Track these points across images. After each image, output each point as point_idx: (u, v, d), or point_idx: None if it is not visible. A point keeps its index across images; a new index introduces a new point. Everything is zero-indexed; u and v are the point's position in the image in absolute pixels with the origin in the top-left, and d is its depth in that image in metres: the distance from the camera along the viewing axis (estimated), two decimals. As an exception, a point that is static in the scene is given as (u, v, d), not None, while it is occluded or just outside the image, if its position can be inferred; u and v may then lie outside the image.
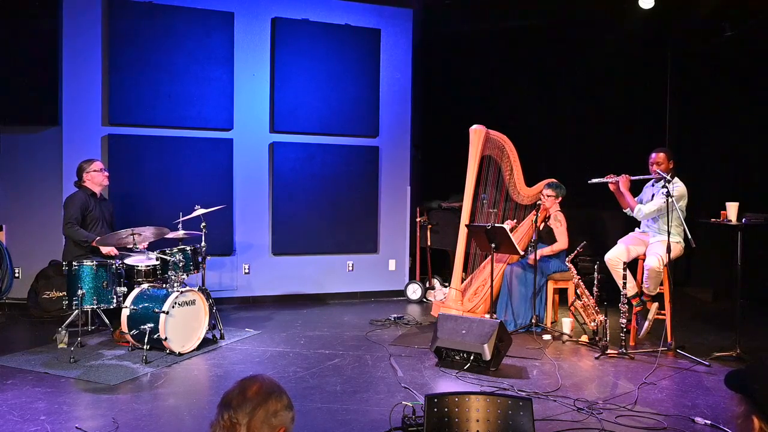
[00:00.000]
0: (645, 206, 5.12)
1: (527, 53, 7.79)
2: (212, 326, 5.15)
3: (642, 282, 5.10)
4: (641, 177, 5.24)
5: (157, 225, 5.06)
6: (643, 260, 5.16)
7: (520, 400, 2.97)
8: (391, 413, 3.41)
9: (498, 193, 6.21)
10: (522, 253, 5.61)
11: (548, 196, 5.76)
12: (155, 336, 4.60)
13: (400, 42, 7.33)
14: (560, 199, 5.81)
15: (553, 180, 5.91)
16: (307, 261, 7.03)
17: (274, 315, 6.30)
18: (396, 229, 7.38)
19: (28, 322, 5.83)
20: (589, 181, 5.38)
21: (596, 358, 4.74)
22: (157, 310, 4.60)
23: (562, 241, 5.67)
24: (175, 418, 3.58)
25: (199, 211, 5.27)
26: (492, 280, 5.53)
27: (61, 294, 5.69)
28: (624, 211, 5.44)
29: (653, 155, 5.13)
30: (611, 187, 5.31)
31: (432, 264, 7.28)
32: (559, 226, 5.70)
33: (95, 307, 4.76)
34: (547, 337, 5.37)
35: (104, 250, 5.00)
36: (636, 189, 5.36)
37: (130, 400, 3.81)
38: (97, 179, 5.23)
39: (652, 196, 5.21)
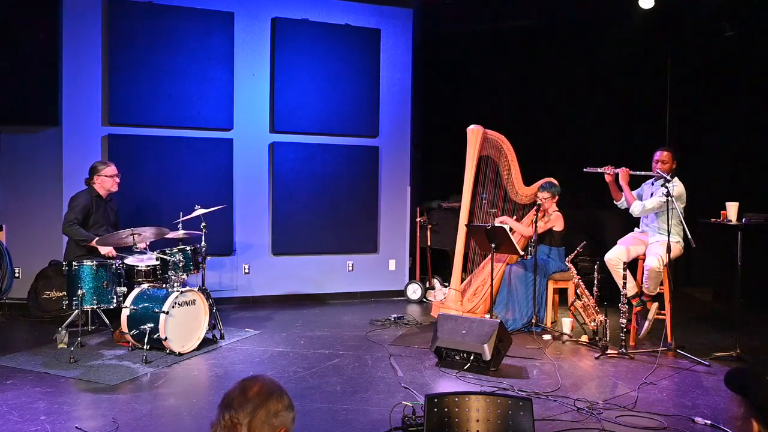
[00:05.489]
0: (647, 202, 5.12)
1: (527, 53, 7.80)
2: (212, 326, 5.15)
3: (642, 282, 5.10)
4: (641, 173, 5.24)
5: (157, 225, 5.06)
6: (643, 260, 5.16)
7: (520, 400, 2.96)
8: (391, 413, 3.41)
9: (497, 193, 6.21)
10: (522, 253, 5.60)
11: (544, 198, 5.75)
12: (155, 336, 4.60)
13: (399, 42, 7.32)
14: (557, 197, 5.80)
15: (549, 180, 5.89)
16: (307, 261, 7.03)
17: (274, 315, 6.29)
18: (396, 229, 7.38)
19: (28, 322, 5.82)
20: (584, 170, 5.32)
21: (596, 358, 4.74)
22: (157, 310, 4.60)
23: (558, 224, 5.70)
24: (175, 418, 3.58)
25: (199, 211, 5.27)
26: (492, 280, 5.53)
27: (61, 294, 5.68)
28: (615, 203, 5.42)
29: (658, 153, 5.12)
30: (607, 178, 5.28)
31: (432, 264, 7.28)
32: (557, 219, 5.71)
33: (95, 307, 4.76)
34: (547, 337, 5.37)
35: (103, 250, 5.00)
36: (633, 185, 5.35)
37: (130, 400, 3.81)
38: (106, 184, 5.22)
39: (651, 194, 5.22)
